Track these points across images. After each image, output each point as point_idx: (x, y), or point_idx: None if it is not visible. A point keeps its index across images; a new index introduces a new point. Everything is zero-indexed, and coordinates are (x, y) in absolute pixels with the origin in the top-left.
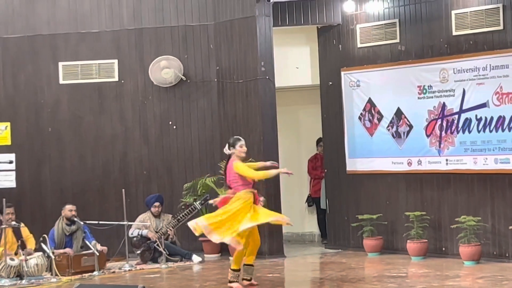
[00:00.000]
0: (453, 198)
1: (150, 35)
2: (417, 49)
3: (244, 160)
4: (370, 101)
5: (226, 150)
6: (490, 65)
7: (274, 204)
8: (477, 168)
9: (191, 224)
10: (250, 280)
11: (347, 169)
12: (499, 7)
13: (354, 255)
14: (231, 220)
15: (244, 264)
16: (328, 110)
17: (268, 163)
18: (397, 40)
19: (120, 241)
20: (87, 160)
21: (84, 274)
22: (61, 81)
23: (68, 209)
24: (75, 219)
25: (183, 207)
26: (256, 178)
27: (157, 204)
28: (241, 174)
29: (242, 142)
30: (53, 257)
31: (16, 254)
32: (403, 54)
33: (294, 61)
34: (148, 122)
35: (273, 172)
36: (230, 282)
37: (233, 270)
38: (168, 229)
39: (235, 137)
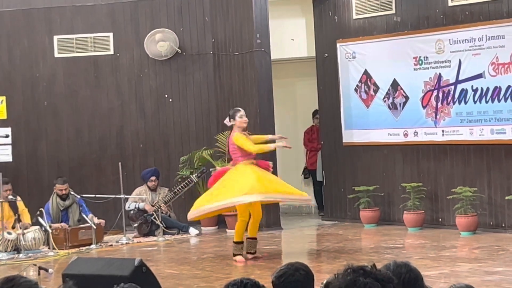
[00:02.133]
0: (450, 169)
1: (145, 8)
2: (413, 20)
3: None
4: (366, 72)
5: (227, 122)
6: (486, 35)
7: None
8: (473, 139)
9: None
10: (254, 253)
11: (344, 141)
12: None
13: (351, 226)
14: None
15: (247, 238)
16: (324, 82)
17: (276, 136)
18: (393, 11)
19: (117, 215)
20: (84, 134)
21: (81, 248)
22: (56, 55)
23: (58, 189)
24: (71, 193)
25: (179, 180)
26: (253, 151)
27: (153, 178)
28: (240, 146)
29: (242, 112)
30: (50, 230)
31: (13, 228)
32: (399, 25)
33: (290, 33)
34: (144, 95)
35: (271, 146)
36: (234, 255)
37: (235, 242)
38: (160, 205)
39: (234, 108)
